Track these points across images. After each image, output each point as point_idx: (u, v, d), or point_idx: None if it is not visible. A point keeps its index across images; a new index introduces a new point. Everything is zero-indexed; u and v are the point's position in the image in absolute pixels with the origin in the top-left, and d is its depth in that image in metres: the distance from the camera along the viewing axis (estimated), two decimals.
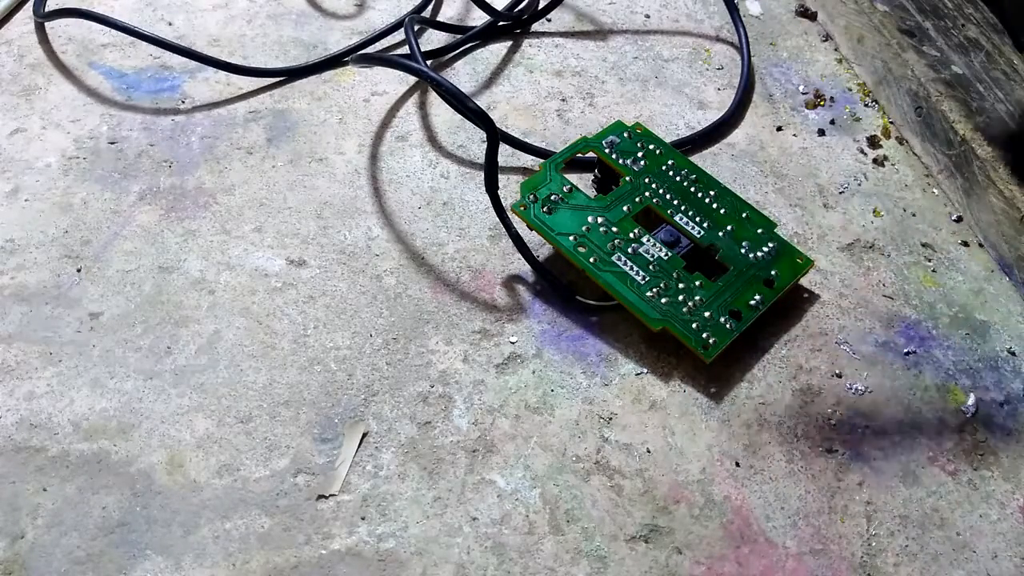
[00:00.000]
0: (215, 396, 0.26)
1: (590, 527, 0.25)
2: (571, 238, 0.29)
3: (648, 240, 0.29)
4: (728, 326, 0.28)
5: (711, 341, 0.27)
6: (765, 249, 0.29)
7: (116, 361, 0.27)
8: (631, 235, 0.29)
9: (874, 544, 0.25)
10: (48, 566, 0.23)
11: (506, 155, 0.32)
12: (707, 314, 0.28)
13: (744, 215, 0.30)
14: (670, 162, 0.31)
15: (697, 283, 0.28)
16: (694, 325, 0.27)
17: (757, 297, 0.28)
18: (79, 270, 0.29)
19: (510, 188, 0.32)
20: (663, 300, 0.28)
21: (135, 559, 0.23)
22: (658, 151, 0.31)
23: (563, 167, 0.31)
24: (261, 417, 0.26)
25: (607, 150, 0.31)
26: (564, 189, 0.30)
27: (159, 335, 0.27)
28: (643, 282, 0.28)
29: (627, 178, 0.31)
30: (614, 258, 0.29)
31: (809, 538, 0.25)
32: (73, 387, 0.26)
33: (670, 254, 0.29)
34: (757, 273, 0.29)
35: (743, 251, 0.29)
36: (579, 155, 0.31)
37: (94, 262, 0.29)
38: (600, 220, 0.30)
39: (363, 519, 0.24)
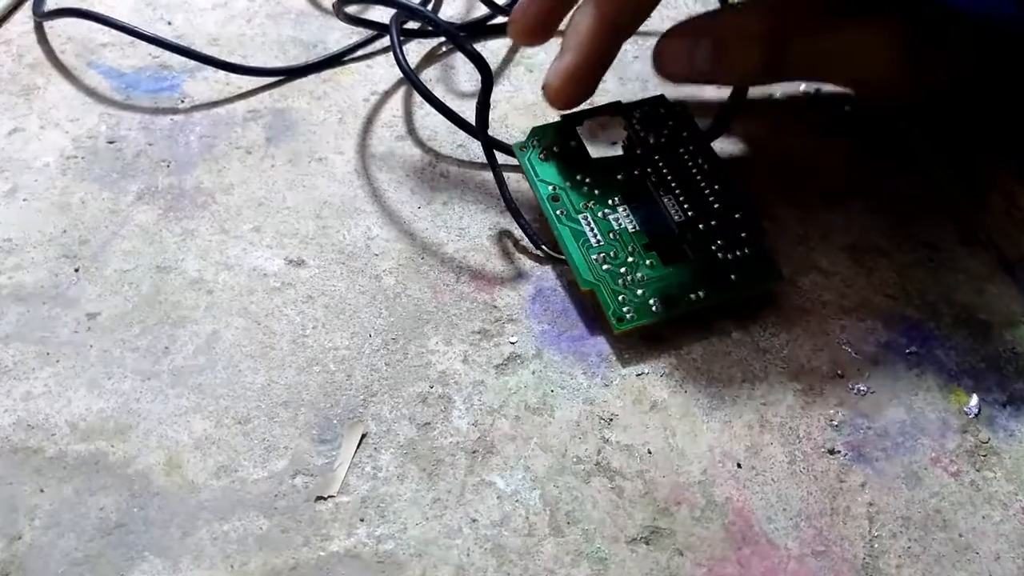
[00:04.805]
0: (213, 397, 0.26)
1: (590, 529, 0.25)
2: (550, 187, 0.30)
3: (623, 210, 0.29)
4: (654, 308, 0.28)
5: (628, 316, 0.27)
6: (739, 253, 0.29)
7: (114, 361, 0.27)
8: (609, 201, 0.30)
9: (876, 545, 0.25)
10: (45, 567, 0.23)
11: (504, 156, 0.32)
12: (640, 291, 0.28)
13: (736, 215, 0.30)
14: (691, 147, 0.31)
15: (648, 262, 0.28)
16: (620, 297, 0.28)
17: (700, 293, 0.28)
18: (77, 270, 0.29)
19: (510, 184, 0.31)
20: (604, 266, 0.28)
21: (133, 560, 0.23)
22: (685, 133, 0.31)
23: (582, 124, 0.32)
24: (259, 418, 0.26)
25: (634, 119, 0.32)
26: (570, 143, 0.31)
27: (157, 335, 0.27)
28: (595, 244, 0.29)
29: (638, 150, 0.31)
30: (580, 216, 0.29)
31: (811, 540, 0.25)
32: (70, 387, 0.26)
33: (639, 229, 0.29)
34: (715, 272, 0.29)
35: (714, 247, 0.29)
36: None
37: (92, 262, 0.29)
38: (587, 180, 0.30)
39: (362, 520, 0.24)
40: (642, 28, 0.38)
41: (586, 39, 0.28)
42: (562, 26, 0.30)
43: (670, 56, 0.30)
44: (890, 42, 0.28)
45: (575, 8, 0.29)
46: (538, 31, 0.29)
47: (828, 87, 0.36)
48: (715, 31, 0.29)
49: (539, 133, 0.31)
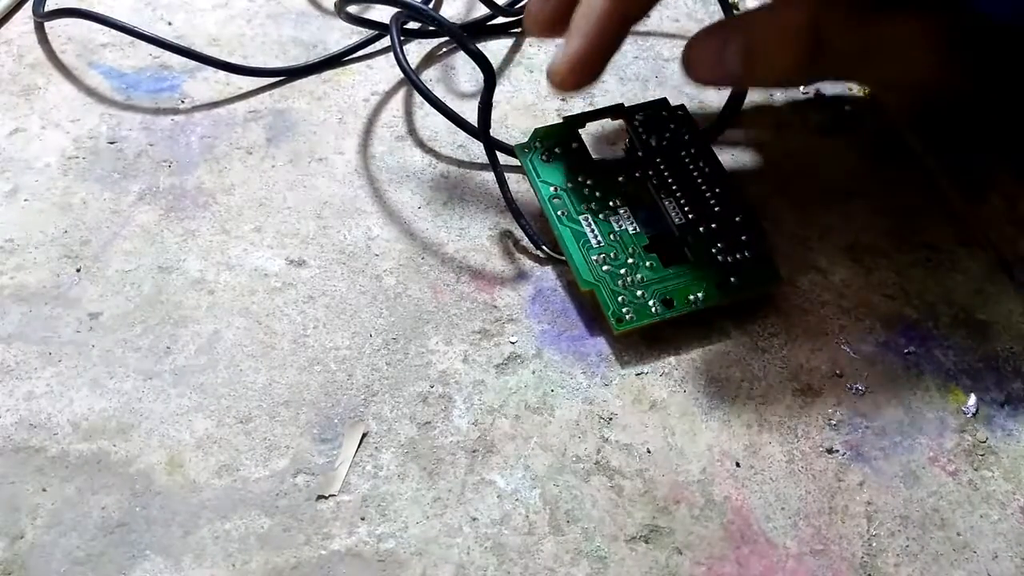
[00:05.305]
0: (215, 396, 0.26)
1: (590, 527, 0.25)
2: (551, 188, 0.30)
3: (624, 212, 0.30)
4: (654, 310, 0.28)
5: (628, 316, 0.28)
6: (739, 255, 0.29)
7: (115, 361, 0.27)
8: (610, 203, 0.30)
9: (875, 544, 0.25)
10: (47, 566, 0.23)
11: (504, 155, 0.32)
12: (640, 292, 0.28)
13: (737, 218, 0.30)
14: (692, 150, 0.31)
15: (648, 264, 0.29)
16: (620, 298, 0.28)
17: (699, 295, 0.28)
18: (78, 270, 0.29)
19: (510, 185, 0.31)
20: (604, 267, 0.28)
21: (135, 559, 0.23)
22: (686, 136, 0.31)
23: (584, 126, 0.32)
24: (261, 417, 0.26)
25: (636, 121, 0.32)
26: (572, 145, 0.31)
27: (158, 335, 0.27)
28: (595, 245, 0.29)
29: (639, 152, 0.31)
30: (581, 217, 0.29)
31: (809, 538, 0.25)
32: (72, 387, 0.26)
33: (639, 231, 0.29)
34: (715, 274, 0.29)
35: (714, 250, 0.29)
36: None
37: (93, 262, 0.29)
38: (589, 181, 0.30)
39: (363, 519, 0.24)
40: (643, 29, 0.38)
41: (594, 24, 0.28)
42: None
43: (699, 59, 0.28)
44: (932, 40, 0.26)
45: None
46: (556, 21, 0.28)
47: (828, 88, 0.36)
48: (747, 30, 0.28)
49: (541, 134, 0.31)
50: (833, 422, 0.27)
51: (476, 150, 0.33)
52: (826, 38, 0.26)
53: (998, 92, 0.29)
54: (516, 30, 0.37)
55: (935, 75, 0.27)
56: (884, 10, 0.27)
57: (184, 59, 0.34)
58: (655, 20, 0.38)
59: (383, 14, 0.33)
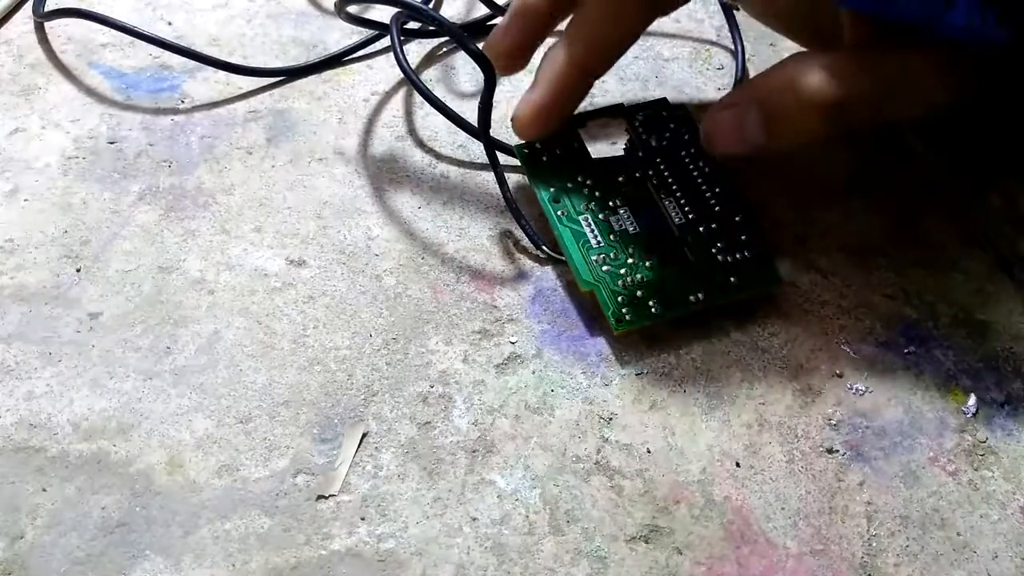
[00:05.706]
0: (215, 396, 0.26)
1: (590, 527, 0.25)
2: (551, 188, 0.30)
3: (624, 212, 0.30)
4: (654, 310, 0.28)
5: (627, 316, 0.28)
6: (739, 256, 0.29)
7: (115, 361, 0.27)
8: (610, 203, 0.30)
9: (874, 544, 0.25)
10: (47, 566, 0.23)
11: (504, 155, 0.32)
12: (639, 292, 0.28)
13: (737, 218, 0.30)
14: (692, 150, 0.31)
15: (648, 264, 0.29)
16: (619, 298, 0.28)
17: (699, 295, 0.28)
18: (78, 270, 0.29)
19: (510, 185, 0.31)
20: (604, 267, 0.28)
21: (135, 559, 0.23)
22: (686, 136, 0.31)
23: (585, 126, 0.32)
24: (261, 417, 0.26)
25: (637, 121, 0.32)
26: (572, 145, 0.31)
27: (158, 335, 0.27)
28: (595, 245, 0.29)
29: (639, 152, 0.31)
30: (580, 217, 0.29)
31: (809, 538, 0.25)
32: (72, 387, 0.26)
33: (639, 231, 0.29)
34: (715, 274, 0.29)
35: (714, 250, 0.29)
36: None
37: (93, 262, 0.29)
38: (589, 181, 0.30)
39: (363, 519, 0.24)
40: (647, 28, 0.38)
41: (557, 77, 0.29)
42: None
43: (719, 132, 0.28)
44: (943, 67, 0.26)
45: (551, 45, 0.29)
46: (514, 59, 0.30)
47: None
48: (764, 100, 0.27)
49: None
50: (833, 422, 0.27)
51: (476, 150, 0.33)
52: (846, 93, 0.26)
53: (997, 99, 0.29)
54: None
55: (948, 101, 0.27)
56: (888, 50, 0.27)
57: (184, 59, 0.34)
58: (655, 20, 0.38)
59: (383, 14, 0.33)
